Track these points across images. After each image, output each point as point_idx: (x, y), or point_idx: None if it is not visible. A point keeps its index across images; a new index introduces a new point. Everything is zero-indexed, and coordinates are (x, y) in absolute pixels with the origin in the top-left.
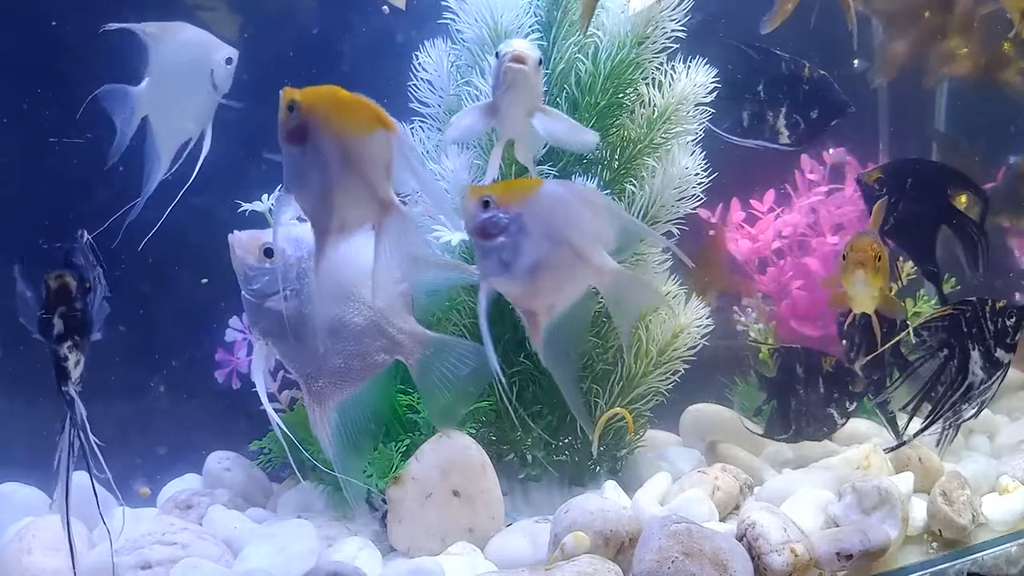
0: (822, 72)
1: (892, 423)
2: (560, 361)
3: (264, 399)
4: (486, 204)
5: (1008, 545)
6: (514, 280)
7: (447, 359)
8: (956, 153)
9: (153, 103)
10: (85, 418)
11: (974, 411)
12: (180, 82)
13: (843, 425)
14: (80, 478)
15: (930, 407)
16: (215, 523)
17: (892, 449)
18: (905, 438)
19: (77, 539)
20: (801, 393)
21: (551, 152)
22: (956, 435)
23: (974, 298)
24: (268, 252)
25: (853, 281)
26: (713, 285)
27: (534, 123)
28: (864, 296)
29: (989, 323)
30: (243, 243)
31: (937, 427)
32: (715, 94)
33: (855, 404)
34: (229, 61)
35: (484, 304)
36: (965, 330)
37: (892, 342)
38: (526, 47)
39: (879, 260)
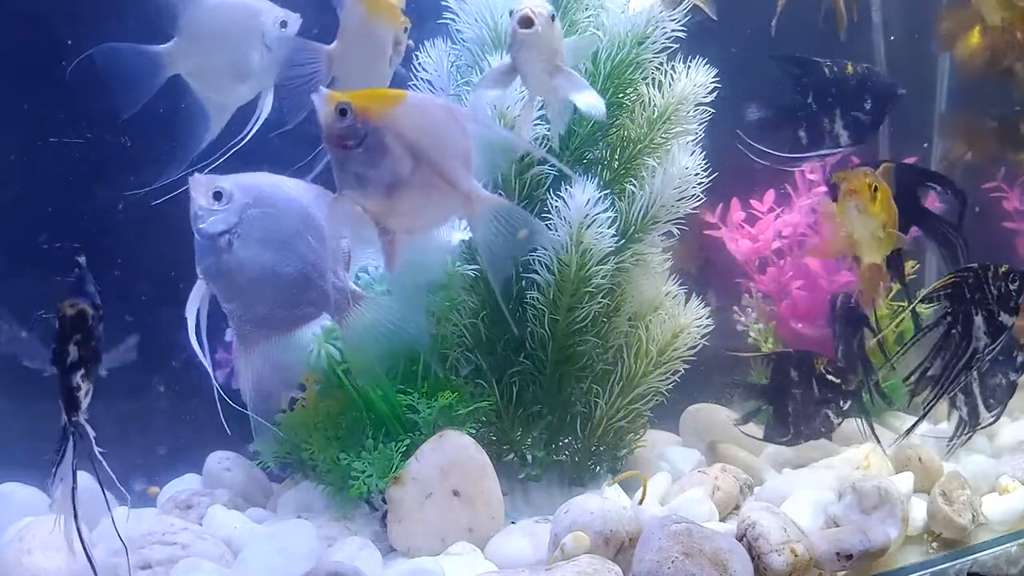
0: (865, 65)
1: (868, 420)
2: (409, 286)
3: (194, 340)
4: (343, 112)
5: (1008, 545)
6: (369, 196)
7: (376, 319)
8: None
9: (187, 63)
10: (94, 442)
11: (993, 417)
12: (218, 43)
13: (839, 424)
14: (81, 478)
15: (935, 380)
16: (215, 523)
17: (907, 432)
18: (907, 424)
19: (77, 539)
20: (797, 396)
21: (550, 152)
22: (972, 437)
23: (976, 264)
24: (217, 195)
25: (848, 213)
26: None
27: (554, 83)
28: (865, 234)
29: (992, 287)
30: (199, 184)
31: (950, 428)
32: (763, 123)
33: (849, 402)
34: (284, 24)
35: (336, 218)
36: (968, 296)
37: (872, 339)
38: (535, 4)
39: (875, 191)
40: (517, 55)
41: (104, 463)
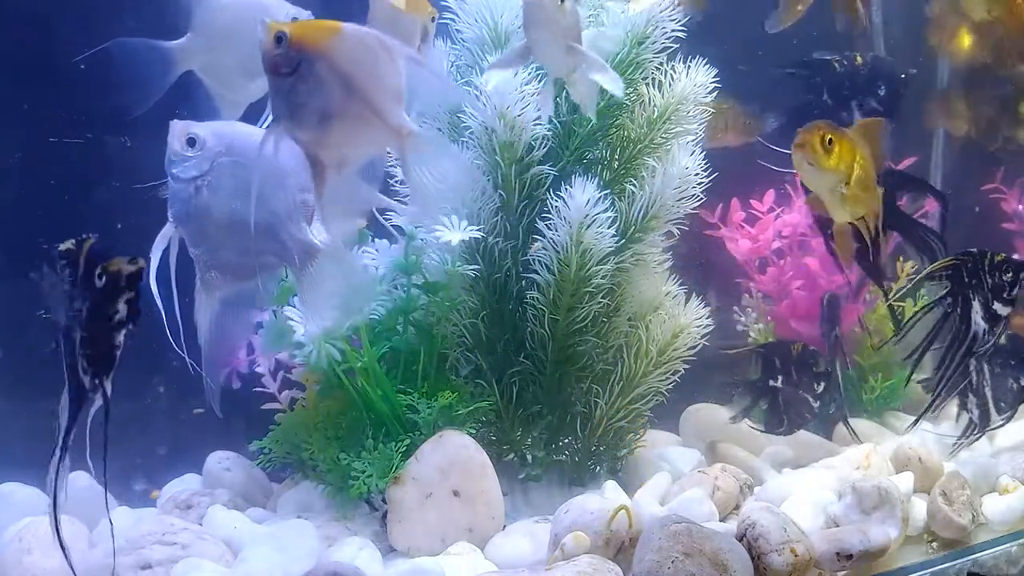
0: (871, 53)
1: (842, 405)
2: (338, 216)
3: (152, 280)
4: (279, 40)
5: (1008, 545)
6: (301, 125)
7: (332, 274)
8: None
9: (199, 59)
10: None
11: (1003, 421)
12: (230, 39)
13: (819, 408)
14: (80, 479)
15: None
16: (215, 523)
17: (917, 420)
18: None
19: (77, 539)
20: (782, 385)
21: (549, 152)
22: (980, 439)
23: (975, 249)
24: (191, 141)
25: (801, 169)
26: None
27: (572, 63)
28: (823, 191)
29: (988, 276)
30: (175, 129)
31: (958, 428)
32: (784, 129)
33: (823, 385)
34: (295, 21)
35: (269, 147)
36: (966, 279)
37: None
38: None
39: (829, 143)
40: (529, 32)
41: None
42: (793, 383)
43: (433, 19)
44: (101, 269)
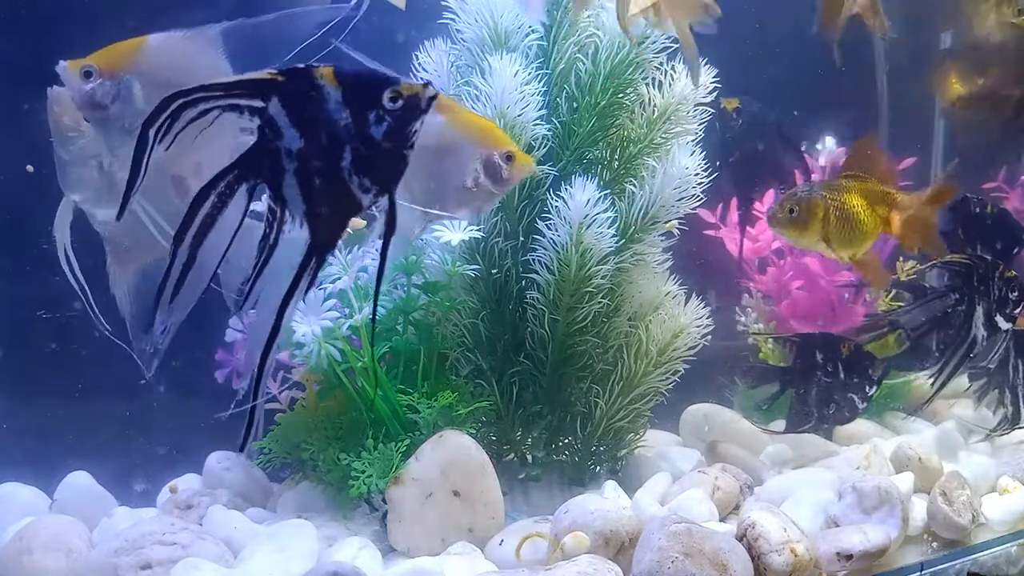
0: (1000, 206)
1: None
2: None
3: (64, 260)
4: (88, 74)
5: (1008, 545)
6: None
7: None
8: None
9: None
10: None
11: None
12: None
13: (864, 410)
14: (81, 478)
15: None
16: (215, 523)
17: (926, 403)
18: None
19: (77, 539)
20: (822, 380)
21: (550, 152)
22: (1009, 433)
23: (990, 257)
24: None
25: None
26: None
27: None
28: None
29: (996, 287)
30: (61, 99)
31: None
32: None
33: (875, 388)
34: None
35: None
36: (975, 283)
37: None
38: None
39: None
40: None
41: None
42: (841, 382)
43: (510, 157)
44: (394, 92)
